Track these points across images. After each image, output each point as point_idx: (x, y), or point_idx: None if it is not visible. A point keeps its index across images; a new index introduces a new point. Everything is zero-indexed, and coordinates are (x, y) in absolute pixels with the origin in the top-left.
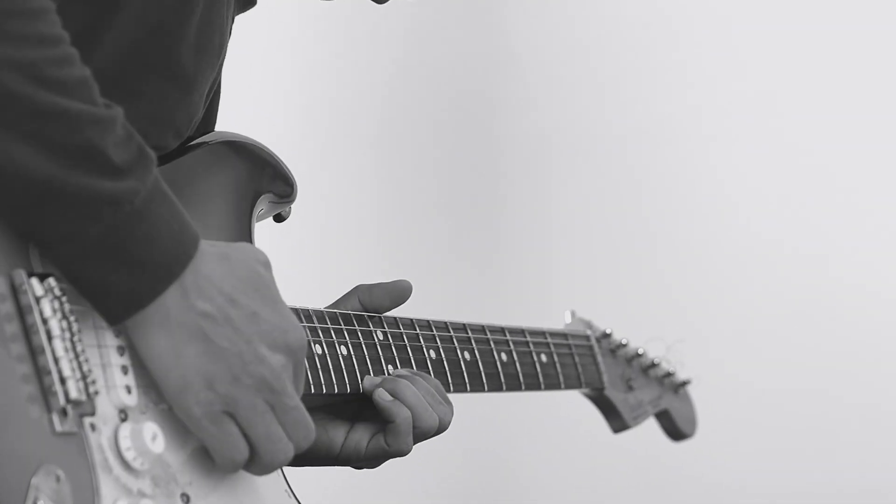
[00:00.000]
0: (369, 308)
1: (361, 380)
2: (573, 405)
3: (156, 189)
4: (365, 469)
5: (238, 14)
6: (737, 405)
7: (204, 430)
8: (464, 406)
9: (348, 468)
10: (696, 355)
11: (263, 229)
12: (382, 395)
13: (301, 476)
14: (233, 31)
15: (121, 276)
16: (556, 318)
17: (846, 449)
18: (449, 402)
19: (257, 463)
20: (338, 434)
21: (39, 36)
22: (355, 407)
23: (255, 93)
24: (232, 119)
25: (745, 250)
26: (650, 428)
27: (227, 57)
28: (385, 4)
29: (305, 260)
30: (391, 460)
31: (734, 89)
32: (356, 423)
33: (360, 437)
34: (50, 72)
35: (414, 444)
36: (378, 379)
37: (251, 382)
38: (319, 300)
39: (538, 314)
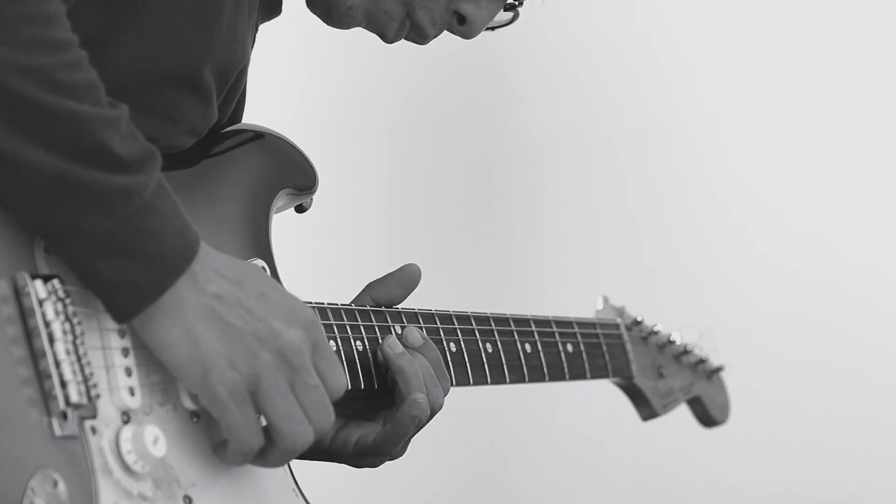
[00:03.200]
0: (383, 302)
1: (376, 377)
2: (575, 405)
3: (161, 186)
4: (366, 468)
5: (262, 23)
6: (747, 412)
7: (228, 412)
8: (467, 405)
9: (353, 469)
10: (730, 342)
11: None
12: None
13: (306, 476)
14: (256, 39)
15: (132, 270)
16: (586, 308)
17: (866, 451)
18: (445, 381)
19: (276, 448)
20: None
21: (51, 41)
22: (350, 399)
23: (266, 91)
24: (247, 116)
25: (761, 255)
26: (657, 428)
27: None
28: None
29: (315, 257)
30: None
31: (737, 90)
32: (349, 422)
33: (350, 433)
34: (60, 76)
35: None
36: (399, 348)
37: (270, 358)
38: (329, 295)
39: (570, 303)
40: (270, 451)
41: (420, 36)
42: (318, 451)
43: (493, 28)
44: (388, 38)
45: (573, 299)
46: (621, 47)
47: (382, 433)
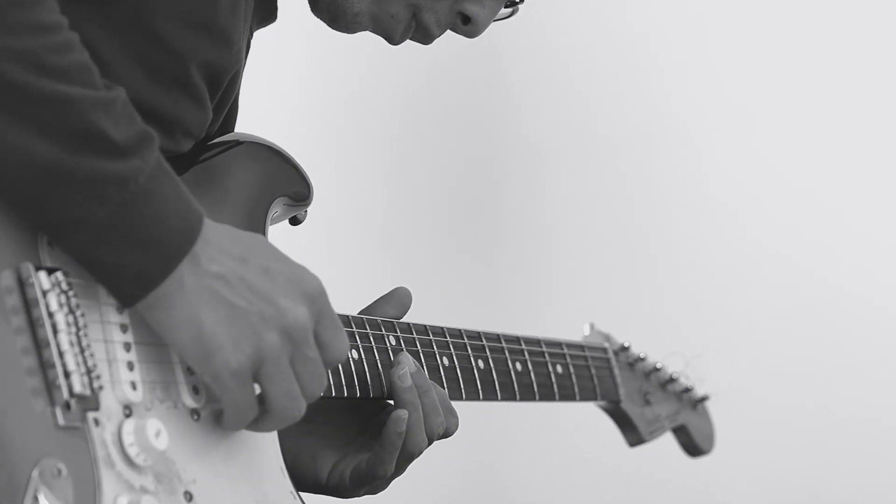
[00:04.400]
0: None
1: (371, 385)
2: (575, 416)
3: (159, 167)
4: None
5: (258, 29)
6: (749, 419)
7: (230, 391)
8: (465, 414)
9: None
10: (715, 367)
11: (270, 233)
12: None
13: None
14: (251, 45)
15: (133, 257)
16: (571, 326)
17: (862, 462)
18: (453, 414)
19: (269, 417)
20: (325, 463)
21: (39, 24)
22: (349, 434)
23: (261, 97)
24: (242, 122)
25: (762, 260)
26: (658, 442)
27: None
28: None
29: (312, 265)
30: None
31: (737, 92)
32: (346, 456)
33: (346, 465)
34: (50, 59)
35: (396, 465)
36: (408, 381)
37: (276, 339)
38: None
39: (553, 321)
40: (263, 419)
41: (425, 36)
42: (317, 487)
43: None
44: (394, 41)
45: (570, 311)
46: (623, 49)
47: (373, 453)
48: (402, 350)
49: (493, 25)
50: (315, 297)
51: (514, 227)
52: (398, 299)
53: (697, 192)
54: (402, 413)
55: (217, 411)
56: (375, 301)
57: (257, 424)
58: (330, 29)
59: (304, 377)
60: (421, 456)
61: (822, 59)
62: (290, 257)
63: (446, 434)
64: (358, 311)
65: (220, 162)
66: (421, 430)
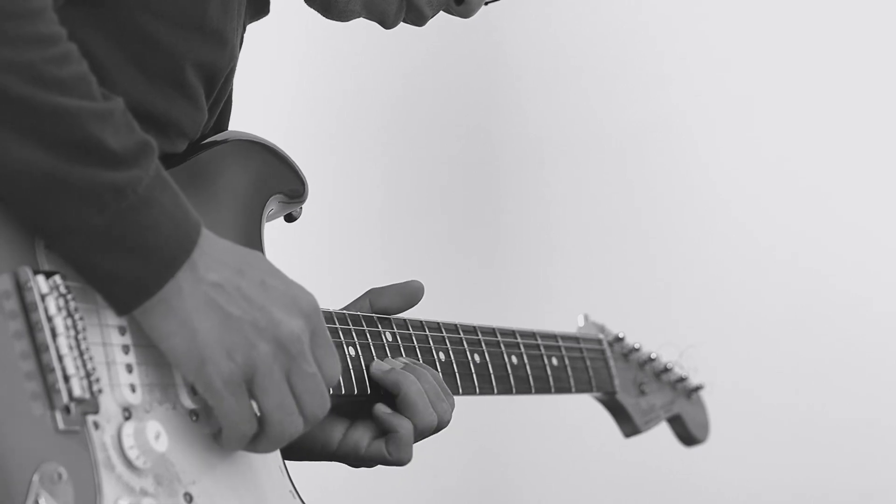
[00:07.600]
0: (382, 310)
1: (369, 382)
2: (575, 409)
3: (158, 177)
4: (363, 469)
5: (250, 23)
6: (745, 412)
7: (224, 401)
8: (465, 408)
9: (351, 469)
10: (709, 361)
11: (269, 230)
12: (382, 409)
13: (303, 476)
14: (244, 40)
15: (128, 265)
16: (568, 322)
17: (856, 456)
18: (450, 396)
19: (265, 436)
20: (335, 430)
21: (38, 36)
22: (357, 403)
23: (259, 94)
24: (237, 120)
25: (757, 255)
26: (655, 434)
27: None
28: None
29: (310, 262)
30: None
31: (740, 91)
32: (357, 422)
33: (360, 436)
34: (48, 71)
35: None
36: (386, 366)
37: (268, 348)
38: (326, 301)
39: (550, 317)
40: (260, 438)
41: (418, 17)
42: (325, 453)
43: (487, 2)
44: (387, 24)
45: (566, 303)
46: (625, 47)
47: (394, 444)
48: (389, 356)
49: (494, 22)
50: (309, 314)
51: (510, 222)
52: (411, 292)
53: (694, 189)
54: (381, 406)
55: (216, 431)
56: (389, 286)
57: (255, 443)
58: (324, 22)
59: (302, 393)
60: (420, 450)
61: (824, 60)
62: (286, 275)
63: None
64: (365, 291)
65: (214, 161)
66: (427, 406)
